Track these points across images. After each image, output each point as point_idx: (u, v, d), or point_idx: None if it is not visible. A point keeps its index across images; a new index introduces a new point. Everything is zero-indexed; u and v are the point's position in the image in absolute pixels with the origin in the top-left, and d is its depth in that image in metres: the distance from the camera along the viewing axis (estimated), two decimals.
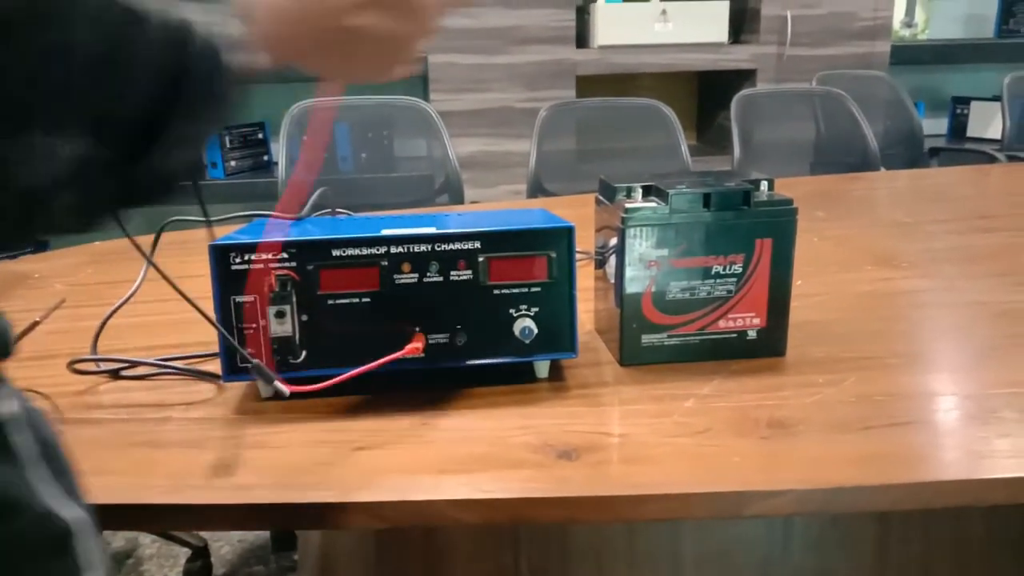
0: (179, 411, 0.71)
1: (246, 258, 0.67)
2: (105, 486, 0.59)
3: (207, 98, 0.32)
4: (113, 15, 0.30)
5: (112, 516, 0.59)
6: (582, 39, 2.83)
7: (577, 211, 1.16)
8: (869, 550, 0.96)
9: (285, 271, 0.68)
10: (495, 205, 1.77)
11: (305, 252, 0.68)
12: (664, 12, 2.76)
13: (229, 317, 0.68)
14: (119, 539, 1.73)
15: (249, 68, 0.34)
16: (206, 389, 0.76)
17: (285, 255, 0.68)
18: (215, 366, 0.73)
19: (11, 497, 0.34)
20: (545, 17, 2.69)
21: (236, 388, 0.75)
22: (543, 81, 2.73)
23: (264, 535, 1.71)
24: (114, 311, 0.85)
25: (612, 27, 2.75)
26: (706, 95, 3.24)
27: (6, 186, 0.29)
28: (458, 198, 1.88)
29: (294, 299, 0.68)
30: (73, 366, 0.78)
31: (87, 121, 0.29)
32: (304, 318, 0.69)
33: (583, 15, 2.84)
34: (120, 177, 0.31)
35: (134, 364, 0.80)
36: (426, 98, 2.61)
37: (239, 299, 0.68)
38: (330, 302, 0.69)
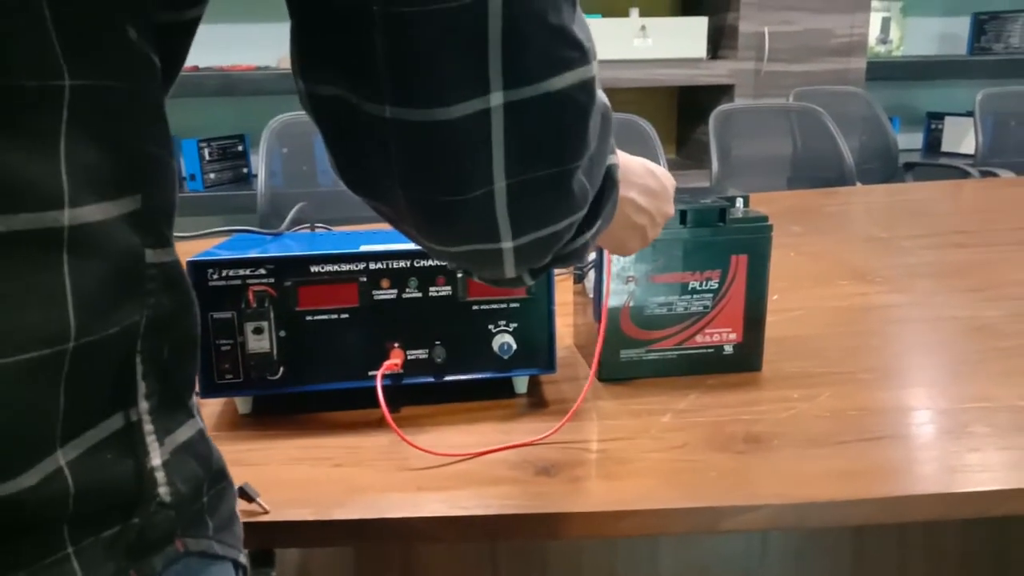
0: None
1: (224, 274, 0.67)
2: None
3: (611, 210, 0.48)
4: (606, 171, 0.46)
5: None
6: None
7: None
8: (846, 562, 0.96)
9: (263, 287, 0.68)
10: None
11: (283, 268, 0.68)
12: (643, 28, 2.78)
13: (207, 333, 0.68)
14: None
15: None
16: None
17: (263, 271, 0.68)
18: None
19: (223, 466, 0.42)
20: None
21: (214, 405, 0.75)
22: None
23: None
24: None
25: None
26: (685, 110, 3.27)
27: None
28: None
29: (272, 315, 0.68)
30: None
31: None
32: (282, 334, 0.69)
33: None
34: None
35: None
36: None
37: (217, 315, 0.68)
38: (308, 318, 0.69)
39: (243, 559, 0.43)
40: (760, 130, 2.34)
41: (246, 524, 0.57)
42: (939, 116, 3.29)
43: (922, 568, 0.97)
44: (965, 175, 2.59)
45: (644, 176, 0.61)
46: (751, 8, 2.81)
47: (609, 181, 0.47)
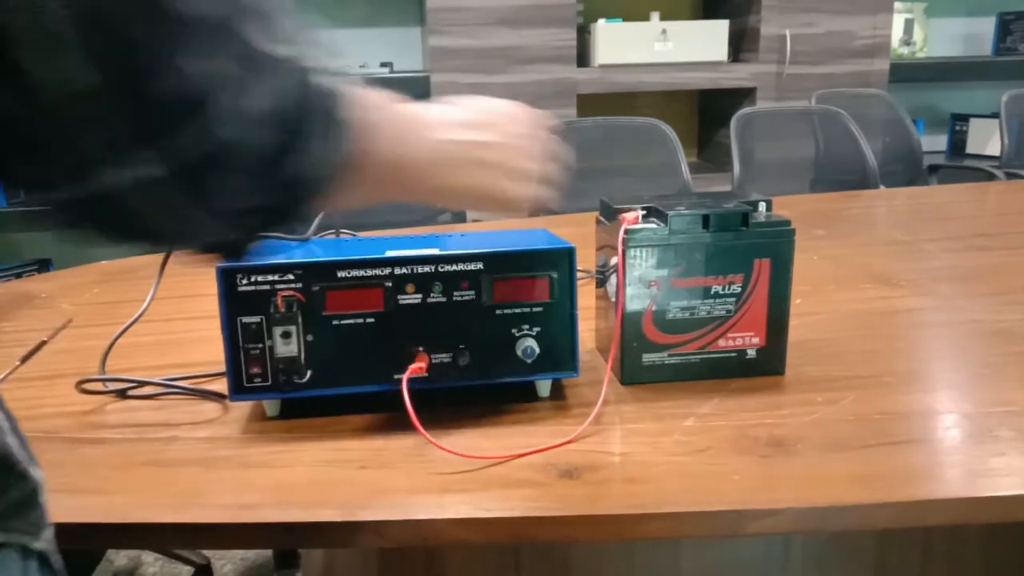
0: (185, 430, 0.72)
1: (253, 280, 0.69)
2: (112, 505, 0.60)
3: (327, 134, 0.43)
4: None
5: (119, 534, 0.60)
6: (583, 58, 2.86)
7: (578, 229, 1.17)
8: (869, 567, 0.96)
9: (291, 292, 0.69)
10: (497, 224, 1.78)
11: (311, 274, 0.69)
12: (664, 31, 2.78)
13: (236, 337, 0.69)
14: (122, 557, 1.73)
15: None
16: (212, 408, 0.77)
17: (291, 276, 0.69)
18: (222, 385, 0.74)
19: (3, 455, 0.42)
20: (546, 36, 2.71)
21: (242, 408, 0.76)
22: (544, 100, 2.75)
23: (266, 553, 1.71)
24: (124, 331, 0.86)
25: (613, 46, 2.77)
26: (706, 113, 3.27)
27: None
28: (460, 216, 1.89)
29: (300, 320, 0.70)
30: (81, 386, 0.79)
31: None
32: (309, 338, 0.70)
33: (584, 34, 2.87)
34: (272, 184, 0.42)
35: (141, 384, 0.80)
36: None
37: (246, 320, 0.69)
38: (335, 323, 0.70)
39: (39, 544, 0.43)
40: (782, 133, 2.34)
41: (273, 525, 0.58)
42: (964, 118, 3.26)
43: (946, 574, 0.97)
44: (991, 177, 2.57)
45: (460, 114, 0.56)
46: (772, 10, 2.81)
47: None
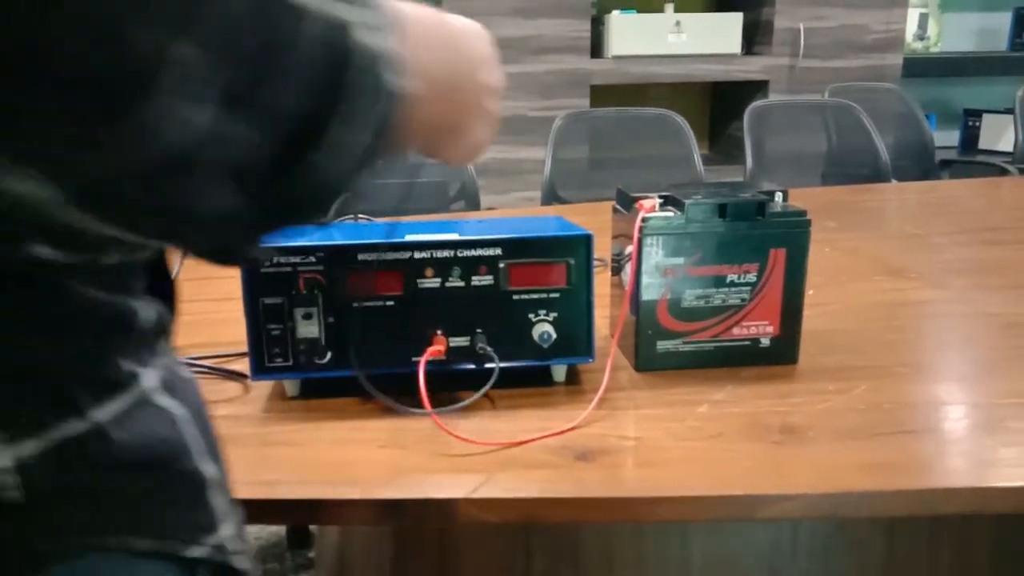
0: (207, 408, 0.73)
1: (275, 261, 0.70)
2: None
3: (367, 109, 0.32)
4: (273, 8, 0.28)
5: None
6: (597, 49, 2.86)
7: (591, 218, 1.17)
8: (876, 558, 0.97)
9: (313, 274, 0.70)
10: (511, 212, 1.79)
11: (332, 257, 0.70)
12: (678, 23, 2.78)
13: (258, 318, 0.70)
14: None
15: (408, 98, 0.34)
16: (233, 388, 0.78)
17: (313, 259, 0.70)
18: (243, 365, 0.76)
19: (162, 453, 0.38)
20: (560, 27, 2.71)
21: (263, 387, 0.78)
22: (558, 90, 2.76)
23: (280, 532, 1.72)
24: None
25: (626, 38, 2.77)
26: (719, 106, 3.26)
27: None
28: (474, 204, 1.90)
29: (321, 302, 0.71)
30: None
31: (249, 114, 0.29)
32: (330, 320, 0.71)
33: (598, 25, 2.87)
34: (276, 184, 0.31)
35: None
36: None
37: (268, 301, 0.70)
38: (355, 305, 0.71)
39: (196, 552, 0.38)
40: (794, 126, 2.33)
41: (292, 501, 0.60)
42: (977, 113, 3.25)
43: (953, 564, 0.98)
44: (1003, 172, 2.56)
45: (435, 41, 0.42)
46: (786, 4, 2.80)
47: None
